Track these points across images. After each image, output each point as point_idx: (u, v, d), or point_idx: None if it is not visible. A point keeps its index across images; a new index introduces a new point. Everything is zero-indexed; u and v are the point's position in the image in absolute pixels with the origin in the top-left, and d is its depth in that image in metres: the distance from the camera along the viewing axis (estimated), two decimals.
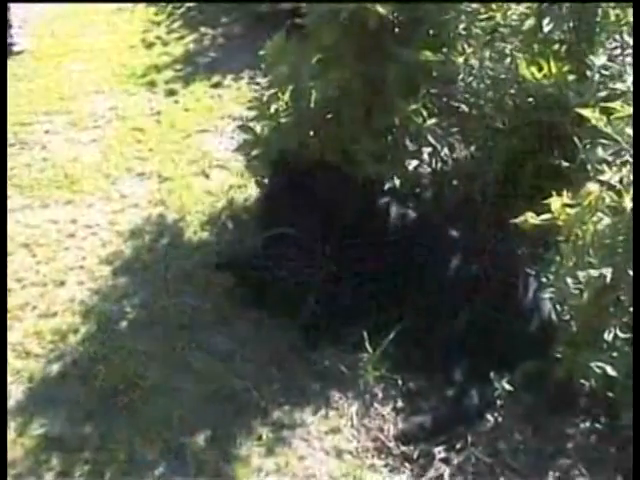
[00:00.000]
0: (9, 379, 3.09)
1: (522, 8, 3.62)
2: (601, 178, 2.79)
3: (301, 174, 3.46)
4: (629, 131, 2.78)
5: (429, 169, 3.73)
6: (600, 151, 2.94)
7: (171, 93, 5.05)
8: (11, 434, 2.89)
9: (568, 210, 2.56)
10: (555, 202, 2.56)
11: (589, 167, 3.18)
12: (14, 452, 2.83)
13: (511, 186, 3.67)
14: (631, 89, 2.86)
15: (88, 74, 5.23)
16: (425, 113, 3.54)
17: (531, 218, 2.58)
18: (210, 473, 2.80)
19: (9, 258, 3.66)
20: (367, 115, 3.45)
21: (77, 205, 4.06)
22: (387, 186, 3.53)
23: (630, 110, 2.80)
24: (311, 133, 3.57)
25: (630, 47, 3.64)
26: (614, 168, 2.87)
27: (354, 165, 3.44)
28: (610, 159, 2.94)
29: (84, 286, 3.57)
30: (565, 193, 2.59)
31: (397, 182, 3.57)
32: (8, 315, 3.35)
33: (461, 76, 3.54)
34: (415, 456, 2.88)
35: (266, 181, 3.74)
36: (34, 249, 3.75)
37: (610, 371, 2.92)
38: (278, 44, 3.58)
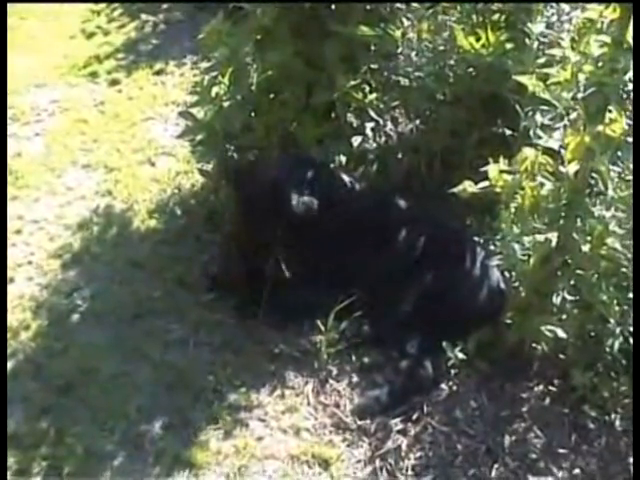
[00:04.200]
0: None
1: None
2: (543, 144, 2.82)
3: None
4: (566, 95, 2.81)
5: (374, 144, 3.73)
6: (539, 117, 2.97)
7: (114, 83, 4.97)
8: None
9: (505, 176, 2.58)
10: (492, 169, 2.58)
11: (531, 134, 3.22)
12: None
13: (457, 157, 3.69)
14: (567, 54, 2.87)
15: (28, 67, 5.11)
16: (367, 89, 3.54)
17: (469, 186, 2.59)
18: (169, 460, 2.79)
19: None
20: (308, 94, 3.44)
21: (23, 201, 4.00)
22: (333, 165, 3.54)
23: (567, 75, 2.83)
24: (253, 115, 3.55)
25: (566, 14, 3.70)
26: (554, 133, 2.92)
27: (297, 146, 3.43)
28: (550, 124, 2.98)
29: (33, 281, 3.53)
30: (502, 160, 2.61)
31: (343, 159, 3.58)
32: None
33: (400, 49, 3.54)
34: (372, 429, 2.91)
35: (211, 167, 3.72)
36: None
37: (560, 333, 2.97)
38: (216, 27, 3.55)
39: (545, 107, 2.99)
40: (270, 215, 3.19)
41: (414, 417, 2.95)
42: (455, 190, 2.68)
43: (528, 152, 2.58)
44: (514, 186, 2.57)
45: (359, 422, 2.93)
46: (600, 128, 2.63)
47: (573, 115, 2.67)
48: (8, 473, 2.74)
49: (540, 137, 2.89)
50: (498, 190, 2.60)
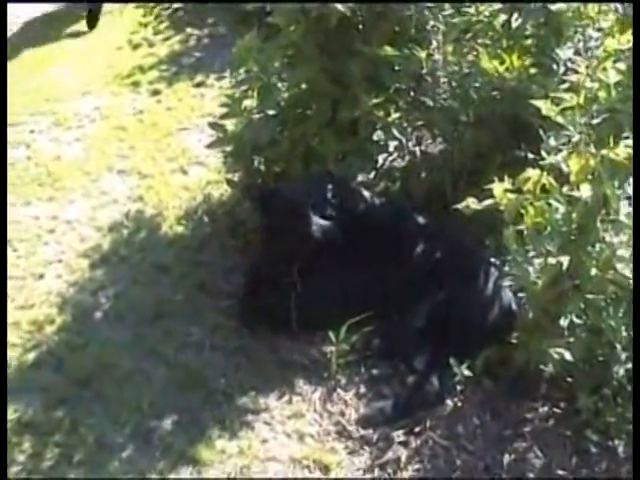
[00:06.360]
0: None
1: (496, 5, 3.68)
2: (551, 161, 2.86)
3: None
4: (579, 120, 2.86)
5: (397, 162, 3.80)
6: (552, 140, 3.01)
7: (155, 93, 5.12)
8: None
9: (509, 195, 2.62)
10: (497, 188, 2.63)
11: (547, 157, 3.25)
12: None
13: (480, 178, 3.72)
14: (582, 79, 2.92)
15: (75, 76, 5.31)
16: (392, 108, 3.62)
17: (472, 203, 2.64)
18: (175, 456, 2.89)
19: None
20: (333, 111, 3.53)
21: (58, 202, 4.16)
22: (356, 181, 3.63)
23: (580, 100, 2.88)
24: (281, 129, 3.65)
25: (594, 40, 3.73)
26: (570, 157, 2.95)
27: (320, 161, 3.52)
28: (563, 148, 3.02)
29: (62, 279, 3.67)
30: (507, 178, 2.66)
31: (365, 176, 3.66)
32: None
33: (425, 70, 3.60)
34: (374, 439, 2.97)
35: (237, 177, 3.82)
36: (15, 244, 3.84)
37: (567, 356, 2.99)
38: (248, 43, 3.66)
39: (565, 132, 3.03)
40: (291, 237, 3.29)
41: (416, 430, 2.99)
42: (459, 206, 2.74)
43: (531, 172, 2.63)
44: (516, 205, 2.61)
45: (362, 431, 2.99)
46: (610, 153, 2.67)
47: (575, 138, 2.70)
48: (23, 457, 2.88)
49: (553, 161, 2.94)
50: (502, 208, 2.64)
